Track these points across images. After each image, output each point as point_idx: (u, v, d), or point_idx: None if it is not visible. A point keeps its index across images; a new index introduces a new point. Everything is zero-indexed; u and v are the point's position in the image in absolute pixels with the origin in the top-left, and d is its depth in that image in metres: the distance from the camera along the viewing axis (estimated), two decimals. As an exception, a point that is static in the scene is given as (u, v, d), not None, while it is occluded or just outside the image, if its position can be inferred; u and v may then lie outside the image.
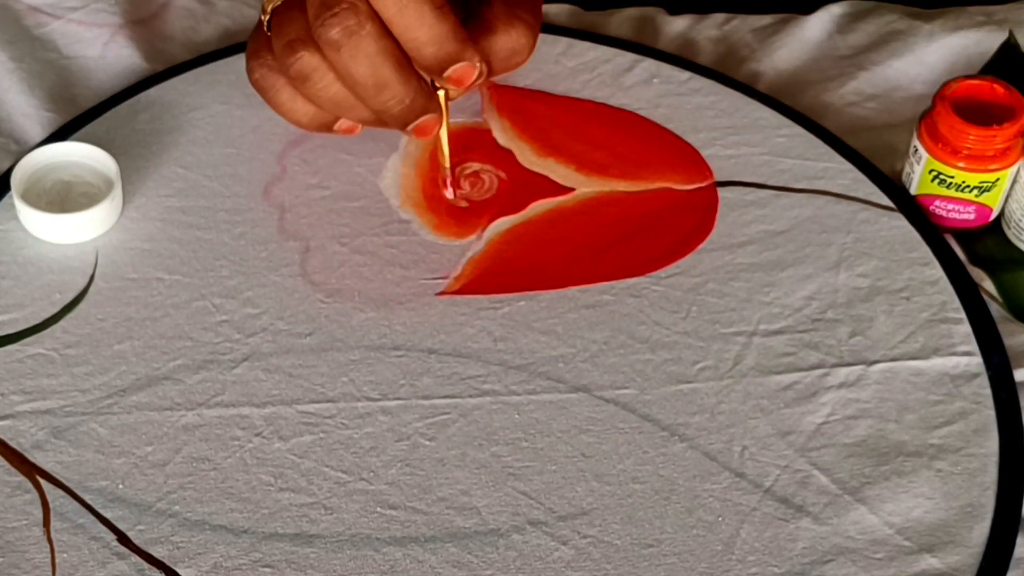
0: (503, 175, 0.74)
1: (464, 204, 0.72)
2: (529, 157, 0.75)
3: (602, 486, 0.63)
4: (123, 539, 0.61)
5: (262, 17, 0.67)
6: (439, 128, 0.68)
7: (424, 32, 0.64)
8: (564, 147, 0.75)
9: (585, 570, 0.60)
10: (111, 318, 0.68)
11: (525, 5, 0.69)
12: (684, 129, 0.76)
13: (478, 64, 0.66)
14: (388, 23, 0.64)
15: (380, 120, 0.67)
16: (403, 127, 0.67)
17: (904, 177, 0.74)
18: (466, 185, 0.74)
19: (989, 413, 0.65)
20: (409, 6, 0.63)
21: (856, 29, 0.82)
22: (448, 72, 0.65)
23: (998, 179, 0.72)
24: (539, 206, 0.73)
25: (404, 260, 0.71)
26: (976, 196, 0.72)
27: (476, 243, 0.72)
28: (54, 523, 0.61)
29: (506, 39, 0.68)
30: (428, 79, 0.67)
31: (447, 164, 0.72)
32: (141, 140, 0.75)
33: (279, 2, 0.66)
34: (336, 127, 0.70)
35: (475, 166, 0.75)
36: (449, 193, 0.72)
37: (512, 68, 0.69)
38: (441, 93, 0.68)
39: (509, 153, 0.75)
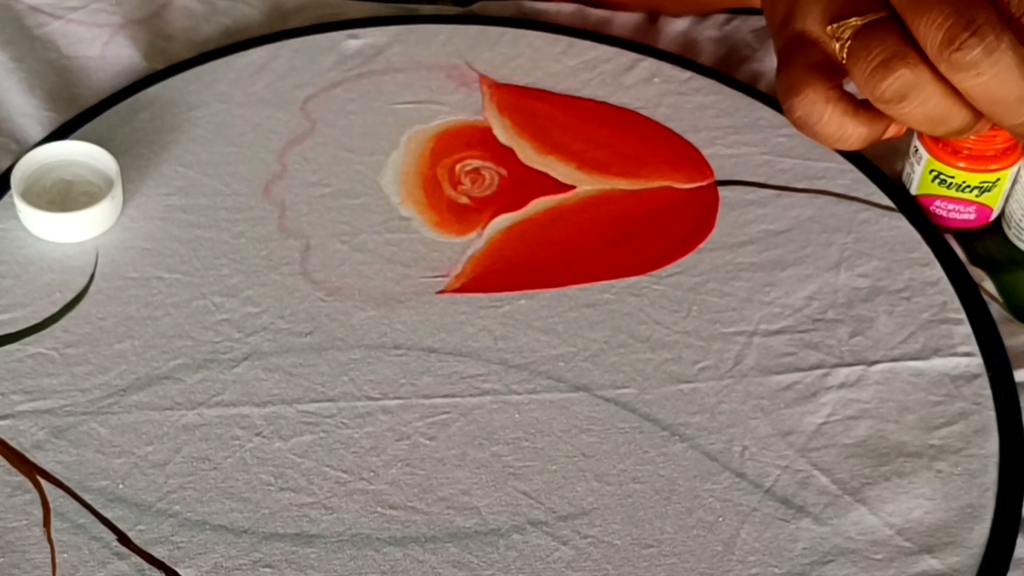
0: (504, 172, 0.74)
1: None
2: (530, 155, 0.75)
3: (602, 486, 0.63)
4: (123, 539, 0.61)
5: (835, 45, 0.64)
6: None
7: None
8: (565, 145, 0.75)
9: (585, 570, 0.60)
10: (111, 317, 0.68)
11: None
12: (685, 128, 0.76)
13: None
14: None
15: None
16: None
17: (904, 177, 0.74)
18: (467, 181, 0.74)
19: (989, 414, 0.65)
20: None
21: (859, 29, 0.81)
22: None
23: (998, 179, 0.72)
24: (540, 203, 0.73)
25: (405, 258, 0.71)
26: (976, 196, 0.72)
27: (477, 240, 0.72)
28: (54, 523, 0.61)
29: None
30: None
31: None
32: (141, 139, 0.75)
33: (859, 24, 0.63)
34: (886, 135, 0.66)
35: (476, 163, 0.75)
36: None
37: None
38: None
39: (510, 151, 0.75)
